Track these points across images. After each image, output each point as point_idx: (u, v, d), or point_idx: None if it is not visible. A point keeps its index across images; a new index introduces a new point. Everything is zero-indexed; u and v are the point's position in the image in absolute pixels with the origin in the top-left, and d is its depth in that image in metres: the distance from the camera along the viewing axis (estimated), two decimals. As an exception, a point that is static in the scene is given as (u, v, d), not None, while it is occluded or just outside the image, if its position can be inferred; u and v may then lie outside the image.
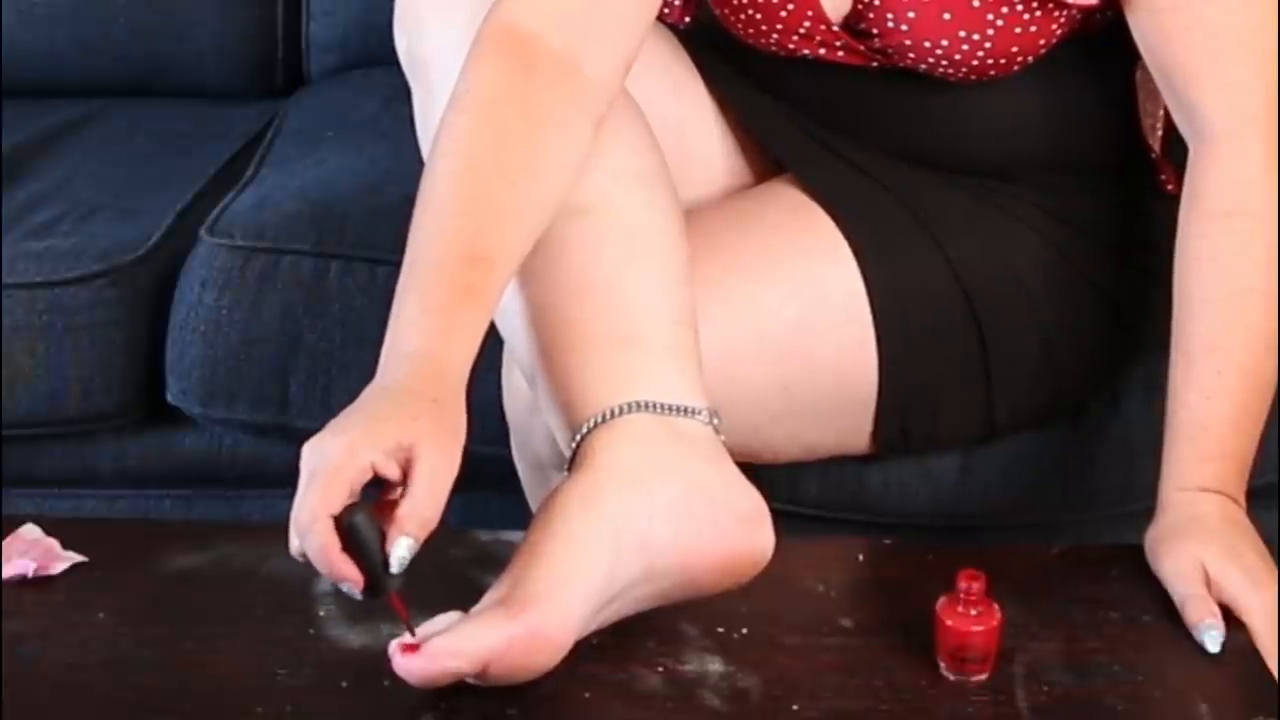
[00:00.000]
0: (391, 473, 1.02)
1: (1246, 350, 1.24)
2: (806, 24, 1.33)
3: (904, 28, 1.30)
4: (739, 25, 1.37)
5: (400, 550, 1.00)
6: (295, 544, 1.02)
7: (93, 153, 1.88)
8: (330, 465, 1.01)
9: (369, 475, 1.02)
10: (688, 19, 1.48)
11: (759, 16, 1.34)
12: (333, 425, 1.03)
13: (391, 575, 1.01)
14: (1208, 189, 1.27)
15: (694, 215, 1.27)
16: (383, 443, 1.01)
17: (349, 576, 1.01)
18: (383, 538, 1.01)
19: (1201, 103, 1.28)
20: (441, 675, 1.02)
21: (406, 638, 1.03)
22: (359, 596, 1.02)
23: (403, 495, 1.02)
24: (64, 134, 1.92)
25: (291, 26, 2.09)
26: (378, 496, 1.03)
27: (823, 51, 1.35)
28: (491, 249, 1.10)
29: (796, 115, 1.41)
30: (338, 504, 1.00)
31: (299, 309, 1.60)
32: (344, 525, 1.00)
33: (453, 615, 1.05)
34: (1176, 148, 1.35)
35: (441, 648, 1.02)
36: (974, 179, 1.39)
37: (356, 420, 1.03)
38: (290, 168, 1.77)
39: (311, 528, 1.00)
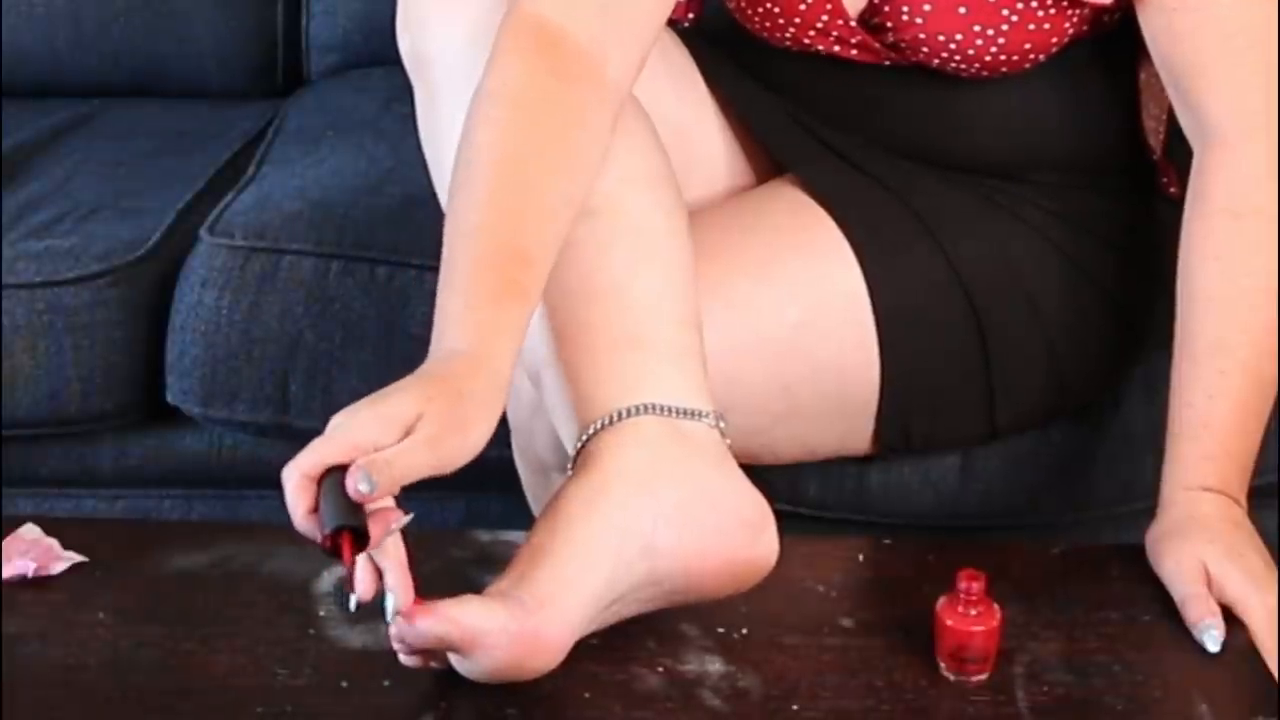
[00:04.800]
0: (386, 436, 1.00)
1: (1251, 350, 1.24)
2: (824, 18, 1.33)
3: (919, 20, 1.30)
4: (756, 20, 1.37)
5: (359, 476, 0.98)
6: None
7: (93, 153, 1.88)
8: (340, 427, 1.01)
9: (370, 449, 1.00)
10: (691, 16, 1.48)
11: (776, 10, 1.34)
12: (366, 399, 1.03)
13: (346, 505, 0.99)
14: (1214, 189, 1.27)
15: (696, 217, 1.27)
16: (386, 408, 1.01)
17: (308, 531, 1.00)
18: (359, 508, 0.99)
19: (1209, 102, 1.28)
20: (429, 636, 1.02)
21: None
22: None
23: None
24: (64, 134, 1.92)
25: (291, 26, 2.09)
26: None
27: (837, 48, 1.35)
28: (532, 246, 1.10)
29: (800, 114, 1.41)
30: (322, 459, 0.99)
31: (299, 309, 1.60)
32: (321, 481, 1.00)
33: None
34: (1178, 149, 1.35)
35: (440, 611, 1.02)
36: (977, 179, 1.39)
37: (381, 395, 1.02)
38: (290, 168, 1.77)
39: (287, 478, 1.00)
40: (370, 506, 1.00)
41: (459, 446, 1.02)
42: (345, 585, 1.02)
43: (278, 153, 1.83)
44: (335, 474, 1.00)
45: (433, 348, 1.07)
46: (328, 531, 0.99)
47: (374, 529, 1.00)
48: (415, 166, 1.28)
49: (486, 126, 1.13)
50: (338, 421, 1.02)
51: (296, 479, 1.00)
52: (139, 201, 1.75)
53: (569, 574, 1.05)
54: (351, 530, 0.99)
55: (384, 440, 1.00)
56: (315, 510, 1.00)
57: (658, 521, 1.08)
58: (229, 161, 1.86)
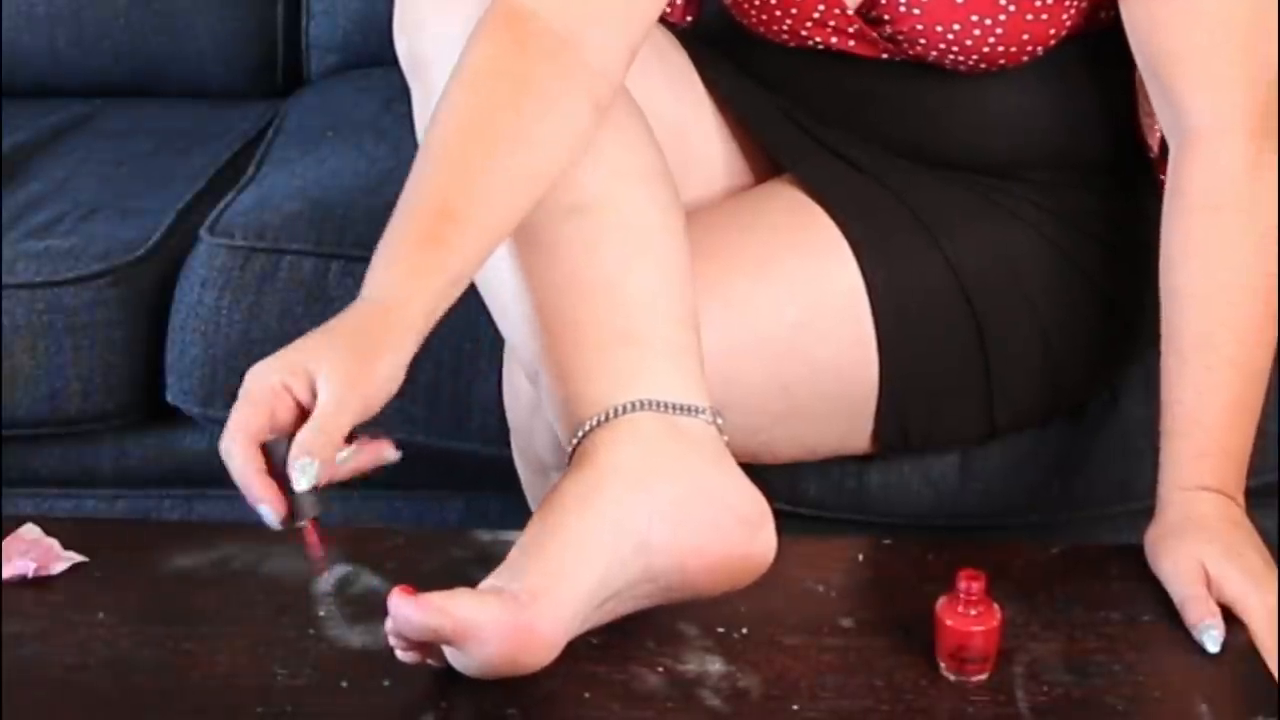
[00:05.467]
0: (303, 396, 1.03)
1: (1237, 345, 1.24)
2: (821, 8, 1.34)
3: (916, 11, 1.30)
4: (752, 12, 1.37)
5: (299, 470, 1.01)
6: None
7: (93, 153, 1.88)
8: (245, 387, 1.04)
9: (287, 398, 1.03)
10: (689, 18, 1.48)
11: (773, 1, 1.34)
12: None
13: (311, 500, 1.02)
14: (1191, 184, 1.27)
15: (694, 216, 1.27)
16: (289, 365, 1.04)
17: (265, 498, 1.02)
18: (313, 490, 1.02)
19: (1187, 95, 1.28)
20: (423, 628, 1.03)
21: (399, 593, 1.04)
22: (274, 524, 1.03)
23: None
24: (64, 134, 1.93)
25: (291, 26, 2.09)
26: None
27: (834, 40, 1.35)
28: (460, 206, 1.10)
29: (797, 113, 1.41)
30: (254, 424, 1.03)
31: (299, 309, 1.60)
32: (265, 449, 1.02)
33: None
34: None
35: (435, 602, 1.02)
36: (973, 177, 1.39)
37: (283, 349, 1.06)
38: (290, 168, 1.77)
39: (229, 448, 1.03)
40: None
41: (371, 378, 1.04)
42: (315, 568, 1.04)
43: (278, 153, 1.83)
44: (277, 441, 1.02)
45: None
46: (309, 519, 1.03)
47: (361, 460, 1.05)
48: (415, 166, 1.28)
49: (441, 103, 1.14)
50: (248, 379, 1.05)
51: (239, 443, 1.03)
52: (139, 201, 1.75)
53: (563, 569, 1.05)
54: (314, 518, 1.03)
55: (298, 392, 1.03)
56: (266, 471, 1.02)
57: (653, 518, 1.08)
58: (229, 161, 1.86)
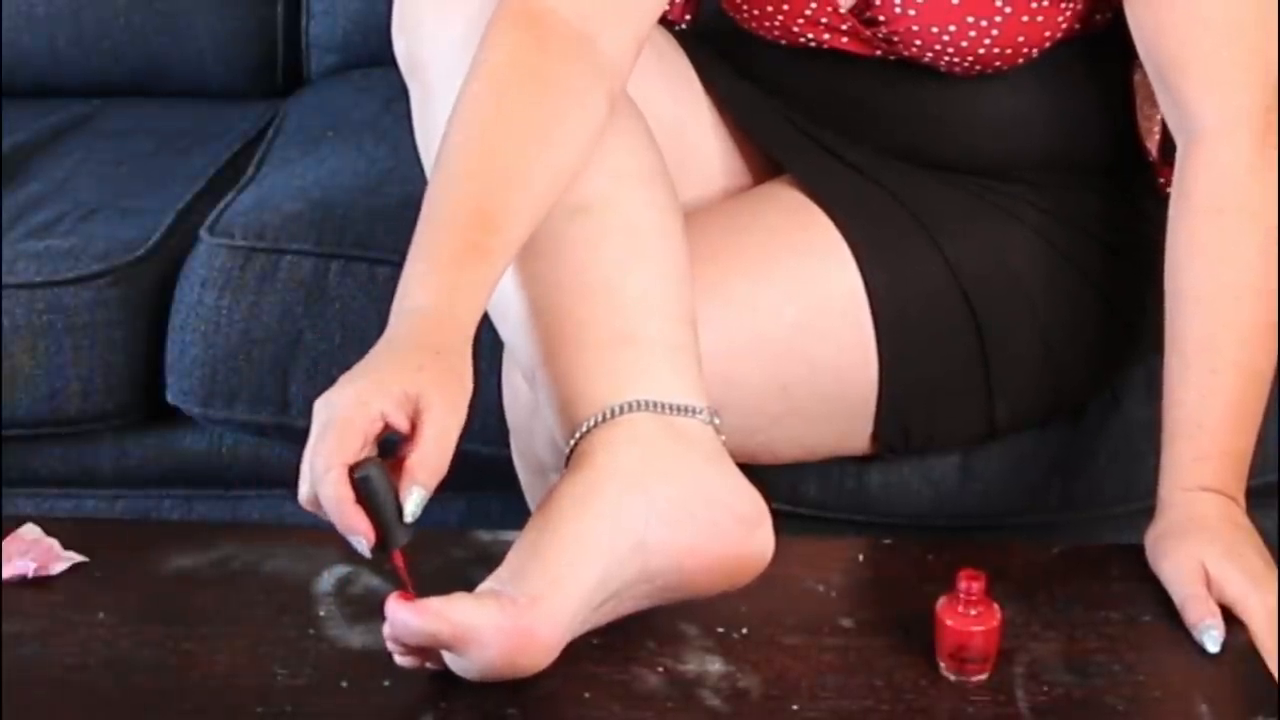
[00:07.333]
0: (400, 422, 1.02)
1: (1241, 347, 1.24)
2: (813, 6, 1.33)
3: (911, 12, 1.30)
4: (744, 9, 1.37)
5: (414, 499, 1.01)
6: (305, 491, 1.02)
7: (93, 153, 1.88)
8: (342, 415, 1.02)
9: (380, 425, 1.02)
10: (687, 18, 1.48)
11: None
12: (342, 379, 1.05)
13: (403, 528, 1.02)
14: (1196, 186, 1.27)
15: (692, 217, 1.27)
16: (390, 392, 1.02)
17: (360, 529, 1.01)
18: (395, 493, 1.02)
19: (1192, 97, 1.28)
20: (421, 633, 1.03)
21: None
22: (367, 554, 1.02)
23: (411, 446, 1.02)
24: (64, 134, 1.92)
25: (291, 26, 2.09)
26: (392, 457, 1.04)
27: (827, 36, 1.35)
28: (498, 210, 1.10)
29: (794, 114, 1.41)
30: (351, 453, 1.01)
31: (299, 309, 1.60)
32: (355, 479, 1.01)
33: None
34: (1175, 149, 1.35)
35: (433, 607, 1.02)
36: (971, 178, 1.39)
37: (364, 372, 1.05)
38: (290, 168, 1.77)
39: (325, 477, 1.01)
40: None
41: (463, 396, 1.05)
42: (406, 592, 1.04)
43: (278, 153, 1.83)
44: (367, 469, 1.01)
45: (394, 307, 1.08)
46: (398, 547, 1.03)
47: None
48: (415, 166, 1.28)
49: (464, 101, 1.14)
50: (343, 405, 1.02)
51: (338, 473, 1.01)
52: (139, 201, 1.75)
53: (561, 571, 1.05)
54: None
55: (395, 421, 1.02)
56: (356, 501, 1.01)
57: (650, 518, 1.08)
58: (229, 161, 1.86)
